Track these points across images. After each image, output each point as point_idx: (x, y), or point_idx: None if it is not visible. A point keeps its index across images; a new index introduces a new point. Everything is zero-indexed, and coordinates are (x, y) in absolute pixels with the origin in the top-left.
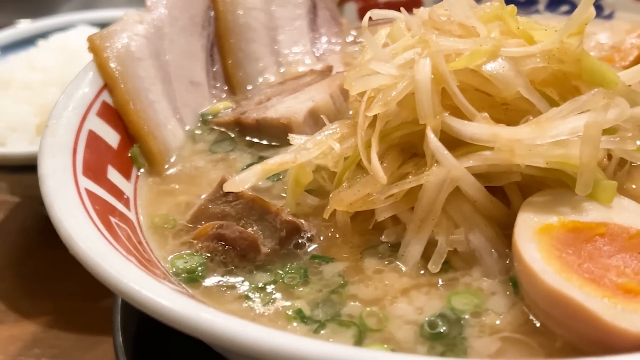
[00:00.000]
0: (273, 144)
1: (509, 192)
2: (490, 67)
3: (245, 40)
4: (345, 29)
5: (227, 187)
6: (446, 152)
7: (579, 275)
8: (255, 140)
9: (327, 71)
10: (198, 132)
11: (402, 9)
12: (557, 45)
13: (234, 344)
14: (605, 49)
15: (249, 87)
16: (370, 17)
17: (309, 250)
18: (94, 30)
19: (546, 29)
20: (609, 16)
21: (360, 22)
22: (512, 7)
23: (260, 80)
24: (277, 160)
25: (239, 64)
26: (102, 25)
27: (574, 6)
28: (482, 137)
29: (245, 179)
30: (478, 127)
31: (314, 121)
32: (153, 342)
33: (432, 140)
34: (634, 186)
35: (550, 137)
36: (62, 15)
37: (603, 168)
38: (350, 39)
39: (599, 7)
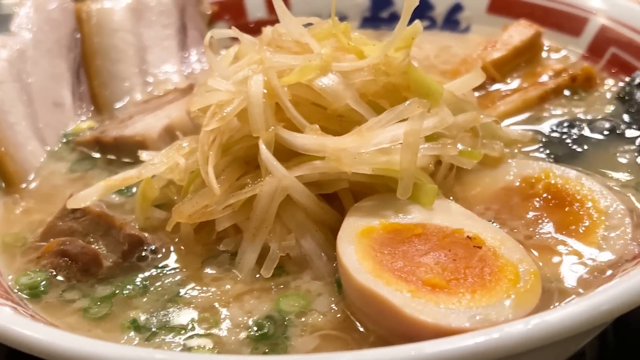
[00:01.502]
0: (125, 160)
1: (343, 199)
2: (321, 81)
3: (111, 61)
4: (215, 49)
5: (69, 204)
6: (276, 162)
7: (391, 273)
8: (115, 158)
9: (189, 89)
10: (59, 152)
11: (233, 27)
12: (382, 59)
13: (43, 353)
14: (457, 62)
15: (117, 106)
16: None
17: (152, 262)
18: None
19: (375, 44)
20: (466, 29)
21: (231, 42)
22: (345, 25)
23: (127, 99)
24: (121, 176)
25: (105, 84)
26: None
27: (433, 23)
28: (311, 148)
29: (87, 196)
30: (307, 138)
31: (170, 137)
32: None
33: (264, 151)
34: (461, 189)
35: (373, 145)
36: None
37: (432, 173)
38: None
39: (455, 22)
